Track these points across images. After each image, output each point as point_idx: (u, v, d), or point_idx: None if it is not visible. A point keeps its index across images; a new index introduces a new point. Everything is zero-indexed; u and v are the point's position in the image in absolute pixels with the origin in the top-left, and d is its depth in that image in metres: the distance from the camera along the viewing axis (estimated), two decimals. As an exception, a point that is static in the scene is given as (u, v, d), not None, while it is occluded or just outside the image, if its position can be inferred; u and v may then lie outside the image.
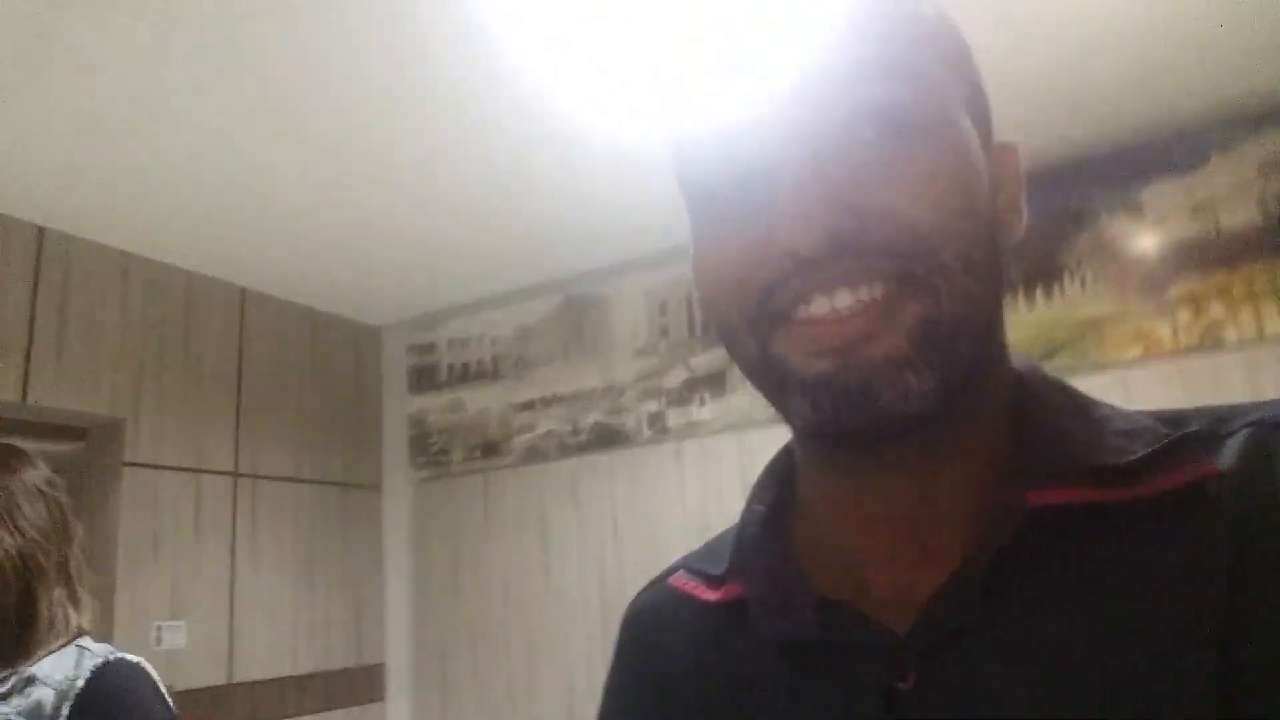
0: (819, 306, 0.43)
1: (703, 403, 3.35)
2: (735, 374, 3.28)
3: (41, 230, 2.69)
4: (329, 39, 2.07)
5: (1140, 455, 0.44)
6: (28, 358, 2.59)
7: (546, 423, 3.65)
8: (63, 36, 1.94)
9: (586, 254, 3.45)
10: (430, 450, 3.87)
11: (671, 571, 0.61)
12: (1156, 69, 2.38)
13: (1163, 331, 2.66)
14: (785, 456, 0.59)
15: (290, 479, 3.42)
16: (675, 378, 3.43)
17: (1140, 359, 2.64)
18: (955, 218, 0.44)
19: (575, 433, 3.57)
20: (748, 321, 0.46)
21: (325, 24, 2.02)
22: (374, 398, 4.00)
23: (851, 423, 0.43)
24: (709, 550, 0.59)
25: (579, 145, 2.62)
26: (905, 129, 0.44)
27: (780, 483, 0.56)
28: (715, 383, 3.34)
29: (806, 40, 0.44)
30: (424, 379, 3.96)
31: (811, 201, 0.42)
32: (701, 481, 3.18)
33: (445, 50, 2.15)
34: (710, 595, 0.53)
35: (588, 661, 3.20)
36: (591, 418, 3.55)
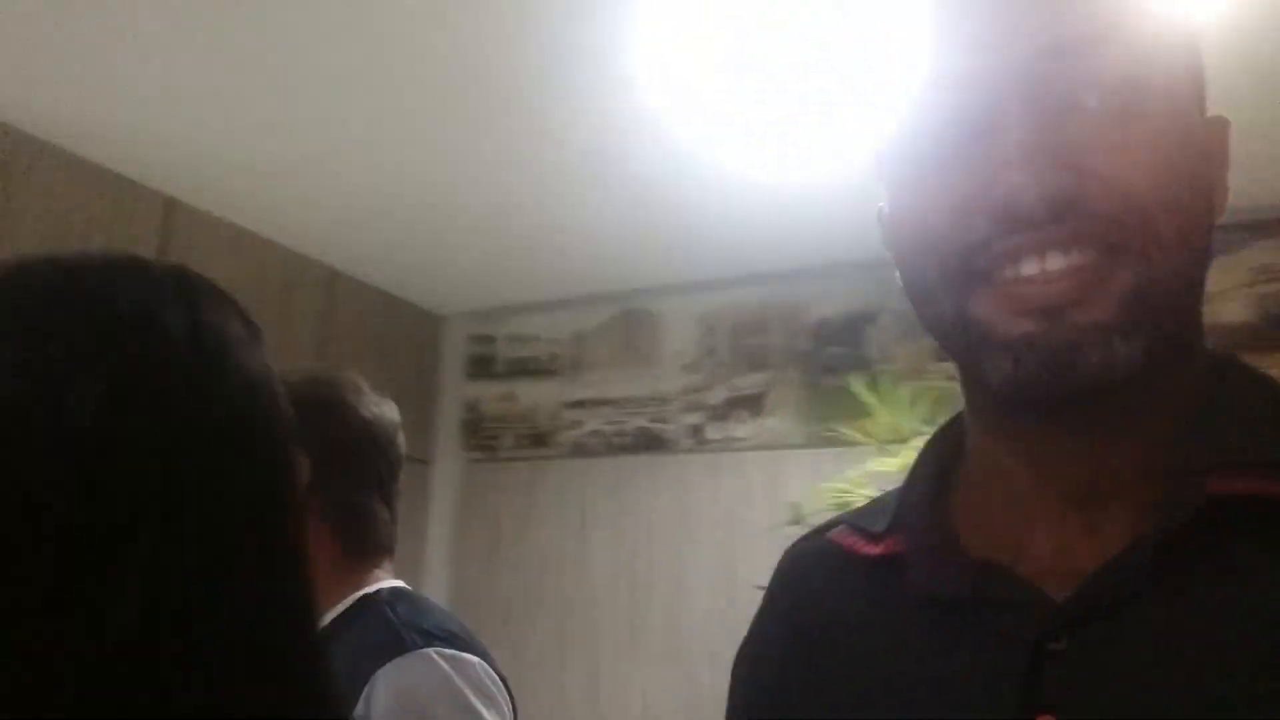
0: (1028, 267, 0.44)
1: (741, 420, 3.73)
2: (772, 397, 3.65)
3: (170, 200, 3.09)
4: (447, 52, 2.44)
5: None
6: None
7: (594, 422, 4.02)
8: (205, 17, 2.32)
9: (645, 272, 3.79)
10: (482, 435, 4.24)
11: (832, 525, 0.63)
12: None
13: None
14: (953, 424, 0.60)
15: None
16: (717, 395, 3.79)
17: None
18: (1173, 190, 0.44)
19: (620, 434, 3.94)
20: (946, 281, 0.47)
21: (442, 39, 2.40)
22: (432, 380, 4.38)
23: (1054, 385, 0.43)
24: (871, 509, 0.61)
25: (656, 171, 2.97)
26: (1131, 98, 0.44)
27: (947, 448, 0.58)
28: (753, 404, 3.72)
29: (1035, 2, 0.45)
30: (481, 368, 4.33)
31: (1033, 159, 0.43)
32: (733, 492, 3.53)
33: (547, 62, 2.51)
34: (869, 550, 0.55)
35: (613, 647, 3.56)
36: (637, 422, 3.92)
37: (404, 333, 4.21)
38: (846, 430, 3.35)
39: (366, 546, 1.36)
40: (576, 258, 3.70)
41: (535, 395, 4.18)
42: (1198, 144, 0.48)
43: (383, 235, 3.52)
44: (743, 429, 3.73)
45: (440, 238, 3.56)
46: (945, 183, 0.47)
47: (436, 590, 4.01)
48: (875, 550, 0.54)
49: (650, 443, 3.89)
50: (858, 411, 3.38)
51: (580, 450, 4.02)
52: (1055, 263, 0.43)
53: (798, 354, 3.72)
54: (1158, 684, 0.40)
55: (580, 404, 4.08)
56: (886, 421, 3.13)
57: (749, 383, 3.76)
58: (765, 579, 0.71)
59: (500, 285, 4.05)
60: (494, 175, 3.05)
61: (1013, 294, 0.44)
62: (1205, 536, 0.42)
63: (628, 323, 4.07)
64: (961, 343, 0.48)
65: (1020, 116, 0.44)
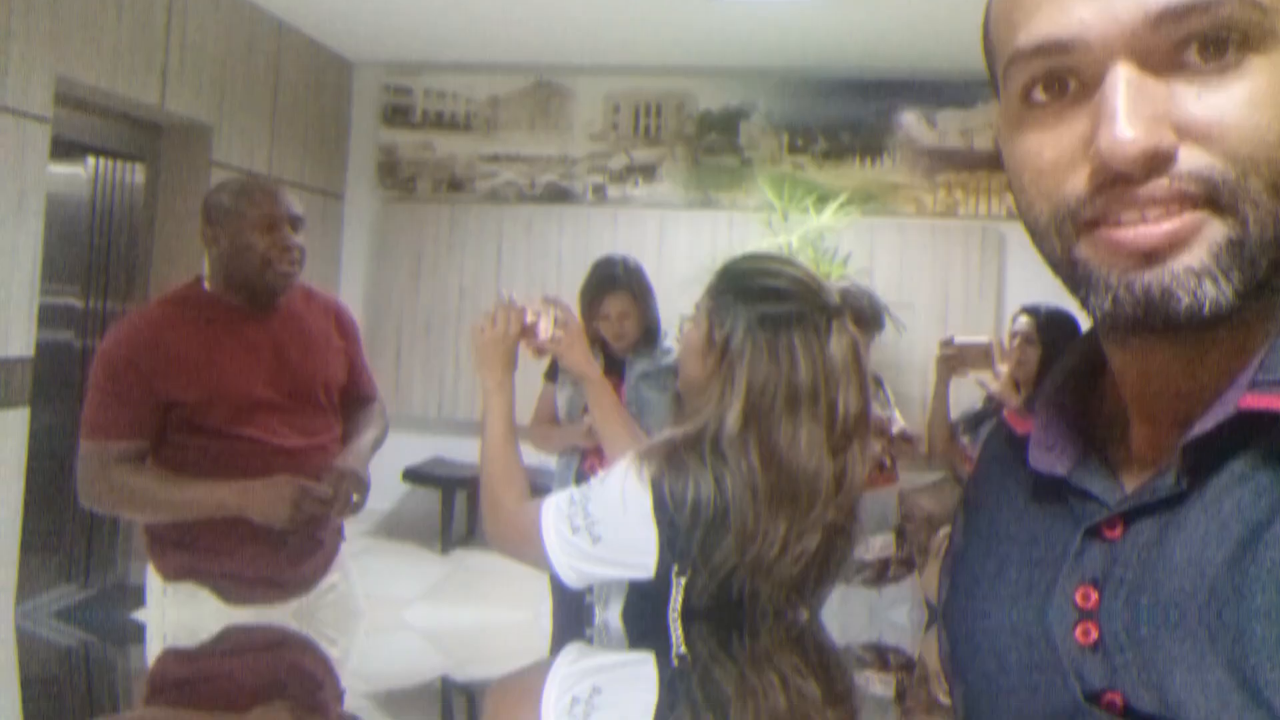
0: (1128, 219, 0.47)
1: (636, 184, 4.86)
2: (664, 167, 4.77)
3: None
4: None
5: None
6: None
7: (508, 174, 5.00)
8: None
9: (558, 49, 4.66)
10: (399, 177, 5.15)
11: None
12: (964, 27, 3.87)
13: (927, 200, 4.68)
14: None
15: (291, 183, 4.64)
16: (618, 162, 4.89)
17: (912, 214, 4.69)
18: (1273, 148, 0.46)
19: (532, 187, 4.96)
20: (1055, 225, 0.51)
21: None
22: (345, 121, 5.18)
23: (1148, 321, 0.47)
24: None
25: None
26: (1233, 58, 0.46)
27: (1096, 343, 0.61)
28: (647, 172, 4.86)
29: None
30: (398, 116, 5.15)
31: (1134, 118, 0.46)
32: (628, 241, 4.63)
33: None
34: (1020, 428, 0.62)
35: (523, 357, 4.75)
36: (547, 178, 4.95)
37: (321, 76, 4.94)
38: (720, 197, 4.74)
39: None
40: (494, 26, 4.42)
41: (452, 146, 5.09)
42: None
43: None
44: (638, 191, 4.85)
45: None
46: (1055, 133, 0.50)
47: (354, 304, 4.99)
48: (1022, 429, 0.61)
49: (559, 196, 4.94)
50: (729, 185, 4.74)
51: (495, 197, 5.01)
52: (1153, 214, 0.46)
53: (685, 136, 4.87)
54: (1177, 574, 0.47)
55: (495, 158, 5.03)
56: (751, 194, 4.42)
57: (644, 155, 4.86)
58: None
59: (418, 40, 4.71)
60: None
61: (1114, 239, 0.48)
62: (1238, 448, 0.48)
63: (542, 92, 4.99)
64: (1069, 278, 0.52)
65: (1125, 75, 0.47)
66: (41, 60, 3.10)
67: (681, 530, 1.14)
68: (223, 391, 1.75)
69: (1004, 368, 2.63)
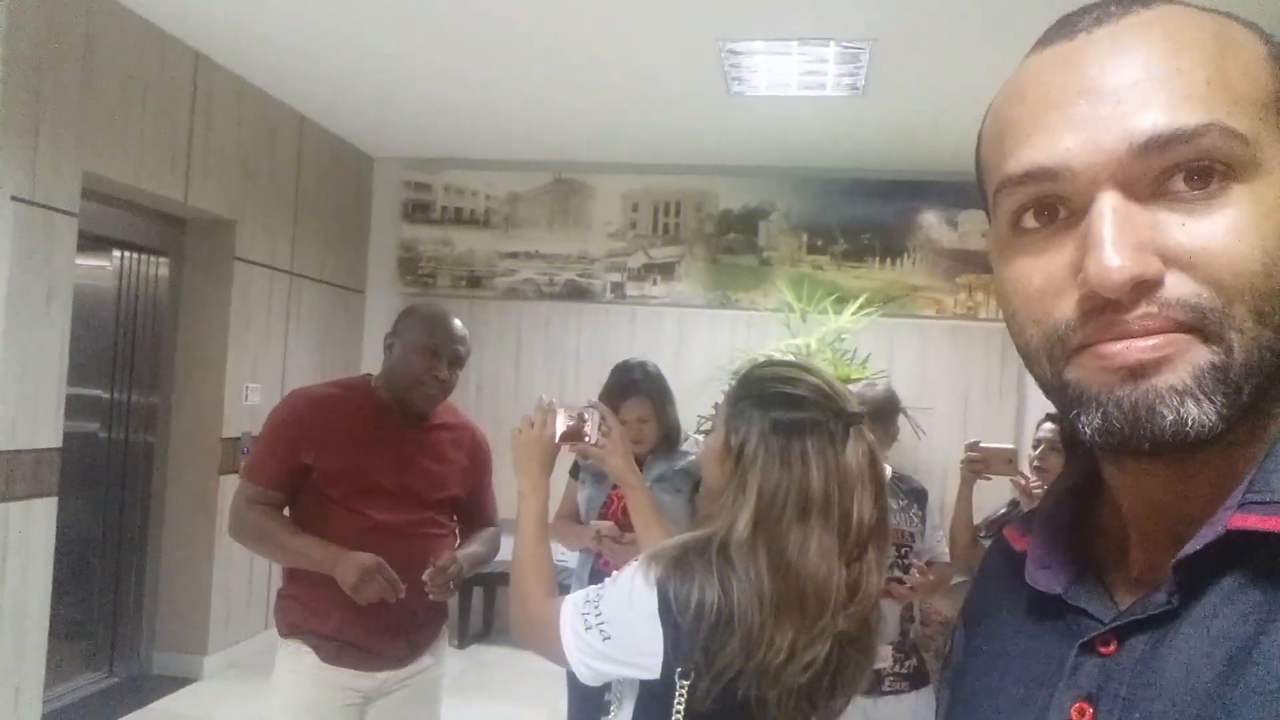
0: (1115, 344, 0.50)
1: (655, 283, 5.00)
2: (683, 266, 4.91)
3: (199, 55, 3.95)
4: None
5: None
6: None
7: (526, 271, 5.15)
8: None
9: (578, 147, 4.84)
10: (419, 273, 5.31)
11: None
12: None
13: (948, 301, 4.78)
14: None
15: (312, 279, 4.82)
16: (636, 260, 5.04)
17: (933, 316, 4.79)
18: (1257, 276, 0.48)
19: (551, 284, 5.11)
20: (1047, 350, 0.53)
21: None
22: (365, 217, 5.37)
23: (1135, 439, 0.49)
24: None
25: (603, 59, 3.75)
26: (1222, 182, 0.48)
27: (1094, 461, 0.62)
28: (666, 270, 5.00)
29: (1140, 92, 0.50)
30: (417, 212, 5.34)
31: (1121, 241, 0.48)
32: (646, 339, 4.77)
33: None
34: (1018, 545, 0.64)
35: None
36: (566, 275, 5.11)
37: (343, 171, 5.13)
38: (739, 297, 4.86)
39: None
40: (514, 123, 4.59)
41: (471, 242, 5.25)
42: None
43: (337, 80, 4.22)
44: (656, 290, 4.99)
45: (385, 86, 4.28)
46: (1044, 259, 0.52)
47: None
48: (1019, 546, 0.64)
49: (577, 293, 5.08)
50: (749, 285, 4.89)
51: (513, 294, 5.16)
52: (1139, 342, 0.49)
53: (704, 235, 5.02)
54: (1169, 690, 0.49)
55: (514, 255, 5.19)
56: (770, 295, 4.61)
57: (663, 253, 5.01)
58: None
59: (438, 136, 4.89)
60: (443, 38, 3.67)
61: (1100, 353, 0.50)
62: (1224, 566, 0.49)
63: (561, 190, 5.17)
64: (1060, 401, 0.54)
65: (1111, 203, 0.49)
66: (70, 157, 3.26)
67: (685, 632, 1.18)
68: (349, 467, 2.05)
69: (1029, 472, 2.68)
